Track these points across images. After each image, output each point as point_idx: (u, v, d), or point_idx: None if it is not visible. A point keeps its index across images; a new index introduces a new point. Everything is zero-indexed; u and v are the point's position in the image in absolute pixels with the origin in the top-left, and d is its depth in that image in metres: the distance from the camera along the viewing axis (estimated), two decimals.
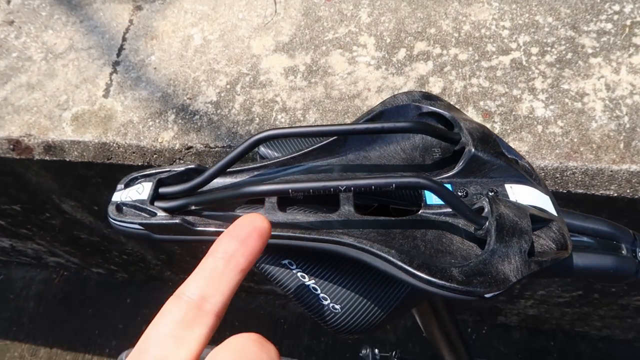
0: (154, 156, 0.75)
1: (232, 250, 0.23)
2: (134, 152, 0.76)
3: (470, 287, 0.26)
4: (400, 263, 0.27)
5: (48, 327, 1.54)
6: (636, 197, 0.64)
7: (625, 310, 1.08)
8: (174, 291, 0.23)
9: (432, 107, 0.35)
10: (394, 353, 0.76)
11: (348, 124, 0.32)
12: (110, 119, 0.78)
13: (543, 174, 0.64)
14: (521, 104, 0.68)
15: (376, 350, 0.80)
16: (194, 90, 0.78)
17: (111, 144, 0.76)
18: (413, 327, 1.40)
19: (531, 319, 1.28)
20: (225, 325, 1.19)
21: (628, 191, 0.64)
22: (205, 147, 0.73)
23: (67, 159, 0.79)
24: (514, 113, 0.67)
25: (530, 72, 0.70)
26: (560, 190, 0.65)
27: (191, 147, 0.74)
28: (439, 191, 0.28)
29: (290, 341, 1.44)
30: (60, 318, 1.55)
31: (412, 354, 1.36)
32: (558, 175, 0.64)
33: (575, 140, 0.65)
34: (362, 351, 0.81)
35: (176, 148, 0.74)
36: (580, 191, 0.65)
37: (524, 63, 0.70)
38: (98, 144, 0.76)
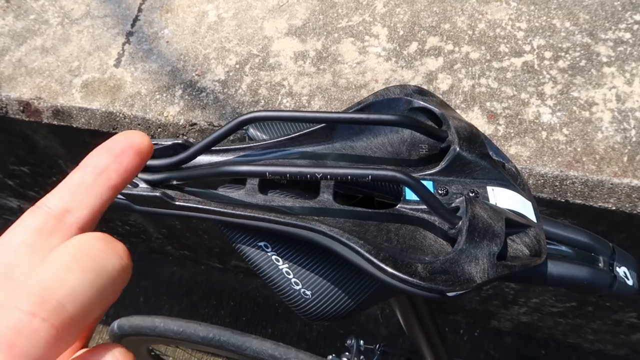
0: (158, 130, 0.76)
1: (103, 164, 0.21)
2: (139, 124, 0.76)
3: (432, 284, 0.26)
4: (366, 254, 0.27)
5: None
6: (635, 212, 0.63)
7: (619, 327, 1.07)
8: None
9: (422, 103, 0.35)
10: (377, 346, 0.76)
11: (335, 112, 0.32)
12: (119, 89, 0.78)
13: (542, 181, 0.64)
14: (528, 108, 0.67)
15: (361, 342, 0.81)
16: (203, 67, 0.78)
17: (117, 114, 0.77)
18: None
19: (524, 326, 1.27)
20: (221, 305, 1.20)
21: (627, 205, 0.63)
22: (209, 125, 0.73)
23: (74, 125, 0.80)
24: (519, 117, 0.66)
25: (541, 77, 0.69)
26: (558, 199, 0.65)
27: (195, 124, 0.74)
28: (414, 186, 0.28)
29: (283, 325, 1.45)
30: None
31: (396, 348, 1.36)
32: (557, 184, 0.64)
33: (579, 149, 0.64)
34: (348, 341, 0.82)
35: (180, 124, 0.75)
36: (579, 202, 0.64)
37: (536, 67, 0.69)
38: (105, 113, 0.77)
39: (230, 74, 0.77)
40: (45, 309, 0.16)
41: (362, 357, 0.78)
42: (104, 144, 0.22)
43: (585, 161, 0.63)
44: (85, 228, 0.20)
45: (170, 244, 1.39)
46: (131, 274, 0.20)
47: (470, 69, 0.71)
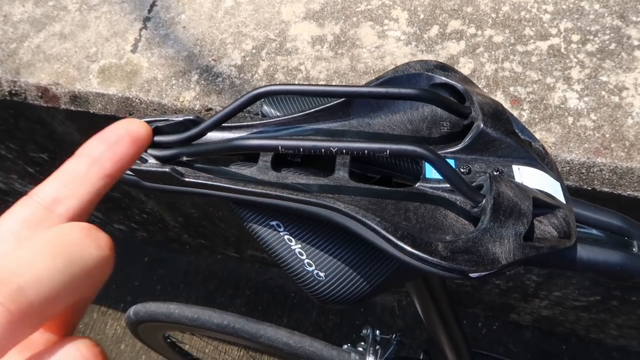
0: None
1: (98, 153, 0.21)
2: (155, 109, 0.76)
3: (454, 263, 0.24)
4: (383, 232, 0.25)
5: None
6: None
7: None
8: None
9: (444, 78, 0.33)
10: (394, 336, 0.75)
11: (353, 86, 0.30)
12: (135, 74, 0.78)
13: (568, 168, 0.61)
14: (553, 93, 0.64)
15: (377, 332, 0.79)
16: (219, 52, 0.77)
17: (134, 99, 0.76)
18: None
19: (544, 320, 1.24)
20: (237, 294, 1.20)
21: None
22: (217, 112, 0.73)
23: (91, 111, 0.80)
24: (544, 102, 0.64)
25: (567, 61, 0.66)
26: (585, 187, 0.62)
27: (211, 109, 0.73)
28: (435, 161, 0.26)
29: (298, 315, 1.44)
30: None
31: (412, 338, 1.35)
32: (584, 171, 0.61)
33: (607, 135, 0.61)
34: (364, 331, 0.80)
35: (196, 109, 0.74)
36: (606, 190, 0.61)
37: (563, 50, 0.67)
38: (121, 98, 0.77)
39: (247, 58, 0.75)
40: (1, 292, 0.15)
41: (377, 347, 0.77)
42: (100, 132, 0.22)
43: (614, 148, 0.60)
44: (75, 218, 0.20)
45: (187, 233, 1.39)
46: (112, 267, 0.19)
47: (493, 52, 0.68)
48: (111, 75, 0.79)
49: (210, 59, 0.77)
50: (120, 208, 1.35)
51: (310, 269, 0.30)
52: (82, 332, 1.49)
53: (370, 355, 0.76)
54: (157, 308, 0.85)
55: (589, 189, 0.62)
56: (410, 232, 0.25)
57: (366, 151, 0.26)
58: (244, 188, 0.29)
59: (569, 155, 0.61)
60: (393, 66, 0.71)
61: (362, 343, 0.79)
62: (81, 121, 0.87)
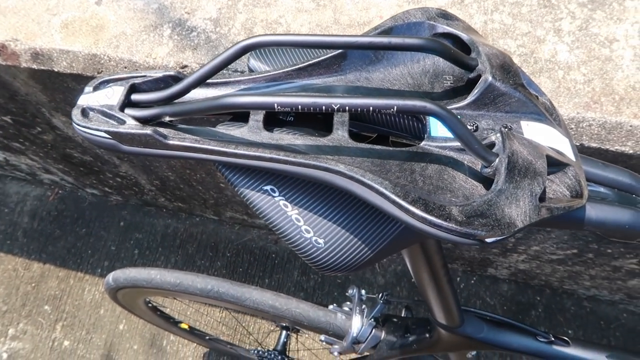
0: None
1: None
2: (125, 67, 0.71)
3: (470, 228, 0.22)
4: (393, 196, 0.23)
5: (42, 243, 1.55)
6: None
7: (618, 272, 1.07)
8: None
9: (448, 28, 0.31)
10: (380, 295, 0.75)
11: (351, 36, 0.27)
12: (102, 28, 0.72)
13: None
14: (544, 46, 0.62)
15: (363, 291, 0.79)
16: (192, 4, 0.72)
17: (102, 55, 0.71)
18: (403, 272, 1.41)
19: (521, 274, 1.28)
20: (217, 257, 1.17)
21: None
22: (201, 66, 0.68)
23: (55, 69, 0.74)
24: (534, 55, 0.62)
25: (558, 12, 0.64)
26: (574, 142, 0.61)
27: (186, 66, 0.69)
28: (447, 119, 0.24)
29: (280, 276, 1.45)
30: (54, 235, 1.55)
31: (399, 297, 1.37)
32: (573, 127, 0.60)
33: (597, 89, 0.60)
34: (349, 291, 0.80)
35: (170, 66, 0.69)
36: (594, 145, 0.61)
37: (553, 1, 0.64)
38: (88, 55, 0.71)
39: (223, 11, 0.71)
40: None
41: (364, 306, 0.77)
42: None
43: (604, 102, 0.59)
44: None
45: (164, 196, 1.36)
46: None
47: (482, 3, 0.65)
48: (75, 30, 0.73)
49: (183, 12, 0.72)
50: (93, 172, 1.30)
51: (308, 235, 0.29)
52: (59, 299, 1.47)
53: (357, 314, 0.76)
54: (138, 274, 0.83)
55: (577, 144, 0.62)
56: (422, 196, 0.24)
57: (371, 108, 0.24)
58: (235, 150, 0.27)
59: (559, 110, 0.60)
60: (378, 18, 0.67)
61: (348, 303, 0.79)
62: (45, 81, 0.82)
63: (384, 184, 0.24)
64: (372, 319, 0.76)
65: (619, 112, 0.59)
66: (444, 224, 0.22)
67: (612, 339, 1.29)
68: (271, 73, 0.30)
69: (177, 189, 1.25)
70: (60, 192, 1.60)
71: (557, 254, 1.06)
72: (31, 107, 0.95)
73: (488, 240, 0.23)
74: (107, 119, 0.28)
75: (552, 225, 0.29)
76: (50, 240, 1.55)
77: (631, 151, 0.60)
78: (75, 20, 0.73)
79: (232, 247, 1.48)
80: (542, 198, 0.26)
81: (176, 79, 0.29)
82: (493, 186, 0.24)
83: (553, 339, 0.59)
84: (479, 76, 0.29)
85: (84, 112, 0.28)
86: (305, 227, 0.29)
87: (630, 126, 0.58)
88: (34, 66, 0.75)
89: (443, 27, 0.31)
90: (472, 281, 1.39)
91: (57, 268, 1.51)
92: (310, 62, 0.30)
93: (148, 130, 0.27)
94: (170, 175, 1.15)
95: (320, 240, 0.29)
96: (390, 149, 0.28)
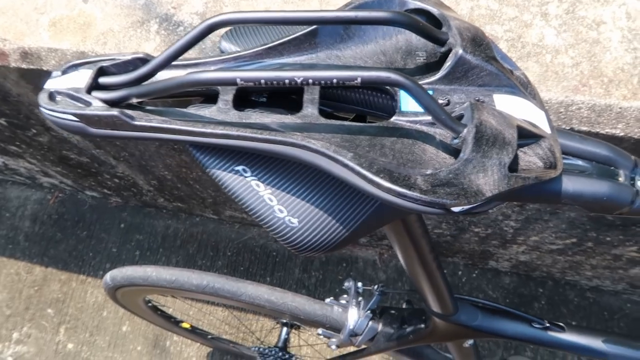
0: None
1: None
2: None
3: (435, 197, 0.22)
4: (357, 167, 0.23)
5: (43, 246, 1.55)
6: None
7: (618, 261, 1.06)
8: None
9: (419, 3, 0.31)
10: (376, 287, 0.75)
11: (317, 11, 0.27)
12: (89, 26, 0.72)
13: (546, 107, 0.60)
14: (531, 30, 0.62)
15: (359, 284, 0.79)
16: None
17: (90, 52, 0.71)
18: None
19: (522, 265, 1.27)
20: (218, 256, 1.17)
21: (636, 131, 0.59)
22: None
23: (45, 68, 0.74)
24: (522, 39, 0.62)
25: None
26: (563, 126, 0.61)
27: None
28: (412, 88, 0.24)
29: (281, 274, 1.44)
30: (56, 239, 1.56)
31: (394, 288, 1.36)
32: (562, 110, 0.60)
33: (586, 72, 0.59)
34: (346, 284, 0.80)
35: None
36: (585, 128, 0.60)
37: None
38: (76, 53, 0.72)
39: (209, 4, 0.70)
40: None
41: (360, 298, 0.77)
42: None
43: (593, 85, 0.59)
44: None
45: (162, 196, 1.36)
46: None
47: None
48: (63, 28, 0.73)
49: (169, 7, 0.72)
50: (90, 174, 1.30)
51: (282, 215, 0.28)
52: (62, 302, 1.47)
53: (353, 307, 0.76)
54: (134, 272, 0.83)
55: (567, 128, 0.61)
56: (387, 167, 0.23)
57: (335, 80, 0.24)
58: (203, 130, 0.26)
59: (547, 94, 0.59)
60: None
61: (345, 296, 0.79)
62: (35, 80, 0.82)
63: (348, 156, 0.24)
64: (369, 311, 0.75)
65: (608, 94, 0.58)
66: (408, 192, 0.22)
67: (617, 329, 1.28)
68: (240, 53, 0.30)
69: (174, 188, 1.25)
70: (60, 195, 1.61)
71: (556, 243, 1.06)
72: (24, 108, 0.96)
73: (455, 209, 0.23)
74: (74, 102, 0.28)
75: (529, 200, 0.28)
76: (52, 243, 1.55)
77: (622, 133, 0.60)
78: (63, 19, 0.74)
79: (232, 246, 1.48)
80: (513, 169, 0.25)
81: (145, 61, 0.29)
82: (460, 155, 0.24)
83: (548, 325, 0.59)
84: (450, 50, 0.29)
85: (51, 96, 0.28)
86: (279, 207, 0.29)
87: (620, 108, 0.58)
88: (24, 65, 0.75)
89: (414, 3, 0.31)
90: (474, 275, 1.38)
91: (59, 271, 1.52)
92: (280, 41, 0.30)
93: (114, 112, 0.27)
94: (167, 174, 1.15)
95: (294, 220, 0.28)
96: (360, 124, 0.28)
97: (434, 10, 0.30)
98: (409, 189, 0.22)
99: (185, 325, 1.20)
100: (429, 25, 0.29)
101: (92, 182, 1.38)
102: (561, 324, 0.59)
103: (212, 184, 1.15)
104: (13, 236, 1.59)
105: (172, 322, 1.16)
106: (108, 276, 0.89)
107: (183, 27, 0.70)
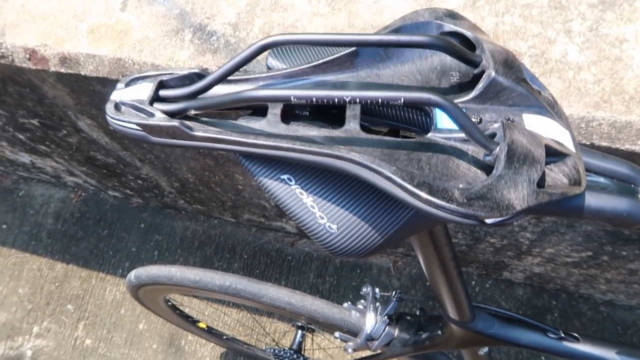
0: None
1: None
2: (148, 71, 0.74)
3: (470, 209, 0.24)
4: (398, 180, 0.25)
5: (65, 244, 1.60)
6: None
7: (634, 276, 1.07)
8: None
9: (454, 26, 0.33)
10: (394, 293, 0.76)
11: (362, 35, 0.30)
12: (126, 33, 0.76)
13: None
14: (554, 47, 0.64)
15: (377, 290, 0.81)
16: (212, 10, 0.75)
17: (126, 59, 0.74)
18: (418, 275, 1.42)
19: (536, 277, 1.28)
20: (235, 258, 1.20)
21: None
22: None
23: (82, 73, 0.78)
24: (545, 56, 0.63)
25: (569, 13, 0.65)
26: (584, 141, 0.62)
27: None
28: (450, 109, 0.26)
29: (296, 278, 1.47)
30: (77, 236, 1.60)
31: (412, 295, 1.38)
32: (583, 126, 0.61)
33: (607, 89, 0.61)
34: (364, 289, 0.82)
35: None
36: (605, 144, 0.62)
37: (564, 2, 0.66)
38: (113, 59, 0.75)
39: (241, 15, 0.73)
40: None
41: (377, 304, 0.78)
42: None
43: (614, 101, 0.60)
44: None
45: (183, 198, 1.39)
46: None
47: (493, 6, 0.67)
48: (101, 35, 0.76)
49: (203, 17, 0.75)
50: (115, 174, 1.34)
51: (322, 221, 0.31)
52: (81, 298, 1.51)
53: (371, 312, 0.78)
54: (159, 271, 0.86)
55: (588, 143, 0.63)
56: (426, 181, 0.25)
57: (380, 100, 0.26)
58: (254, 141, 0.29)
59: (569, 109, 0.61)
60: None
61: (362, 301, 0.81)
62: (72, 84, 0.85)
63: (391, 169, 0.26)
64: (386, 317, 0.77)
65: (629, 111, 0.60)
66: (446, 205, 0.24)
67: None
68: (287, 70, 0.32)
69: (196, 191, 1.29)
70: (83, 194, 1.65)
71: (571, 256, 1.06)
72: (58, 110, 1.00)
73: (488, 221, 0.25)
74: (138, 113, 0.30)
75: (553, 214, 0.30)
76: (73, 241, 1.59)
77: None
78: (101, 26, 0.77)
79: (249, 249, 1.50)
80: (541, 185, 0.27)
81: (200, 76, 0.32)
82: (493, 172, 0.26)
83: (563, 335, 0.60)
84: (483, 72, 0.31)
85: (117, 107, 0.31)
86: (320, 214, 0.31)
87: None
88: (62, 70, 0.79)
89: (449, 26, 0.33)
90: (488, 285, 1.39)
91: (80, 268, 1.56)
92: (324, 60, 0.32)
93: (175, 123, 0.29)
94: (190, 177, 1.18)
95: (334, 226, 0.31)
96: (399, 139, 0.30)
97: (469, 33, 0.32)
98: (447, 202, 0.24)
99: (202, 325, 1.23)
100: (464, 49, 0.32)
101: (116, 182, 1.41)
102: (576, 334, 0.61)
103: (233, 188, 1.18)
104: (36, 233, 1.63)
105: (189, 322, 1.19)
106: (132, 274, 0.92)
107: (216, 36, 0.73)
